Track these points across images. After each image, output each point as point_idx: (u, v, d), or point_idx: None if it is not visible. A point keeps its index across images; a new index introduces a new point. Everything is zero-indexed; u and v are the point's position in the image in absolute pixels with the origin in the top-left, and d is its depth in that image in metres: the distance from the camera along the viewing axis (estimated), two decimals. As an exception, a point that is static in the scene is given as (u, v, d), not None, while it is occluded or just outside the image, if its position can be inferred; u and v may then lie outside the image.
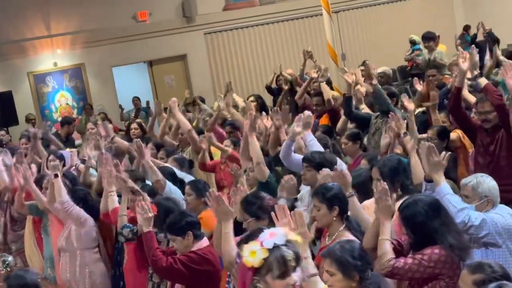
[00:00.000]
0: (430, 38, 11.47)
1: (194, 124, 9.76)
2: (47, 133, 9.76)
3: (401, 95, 7.81)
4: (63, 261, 6.39)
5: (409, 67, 12.98)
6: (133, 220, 5.44)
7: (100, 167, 6.50)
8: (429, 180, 4.68)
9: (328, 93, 8.68)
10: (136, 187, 5.72)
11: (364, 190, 5.00)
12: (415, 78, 8.27)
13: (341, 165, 5.48)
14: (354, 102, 7.95)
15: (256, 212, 4.53)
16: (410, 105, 6.53)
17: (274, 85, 12.47)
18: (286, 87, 10.70)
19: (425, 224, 3.90)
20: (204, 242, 4.78)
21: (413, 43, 13.06)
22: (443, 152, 4.70)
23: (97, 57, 15.12)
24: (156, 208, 5.13)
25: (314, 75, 9.29)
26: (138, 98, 14.87)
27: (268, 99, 12.25)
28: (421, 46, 12.17)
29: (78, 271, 6.28)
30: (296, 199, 5.32)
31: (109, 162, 6.11)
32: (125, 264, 5.87)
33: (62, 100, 15.29)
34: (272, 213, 3.72)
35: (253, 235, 3.97)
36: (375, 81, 7.33)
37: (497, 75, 9.23)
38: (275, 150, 6.65)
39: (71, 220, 6.28)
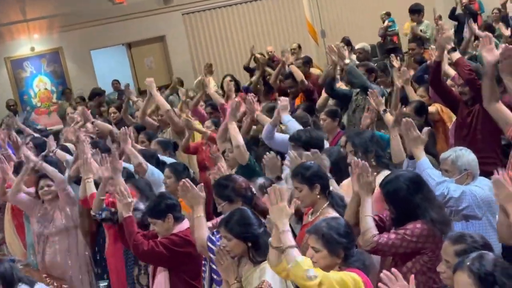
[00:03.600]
0: (416, 11, 11.43)
1: (178, 106, 9.71)
2: (24, 121, 9.68)
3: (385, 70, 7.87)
4: (43, 246, 6.37)
5: (382, 42, 13.01)
6: (113, 205, 5.40)
7: (77, 155, 6.46)
8: (411, 157, 4.68)
9: (299, 74, 8.64)
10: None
11: (336, 169, 4.99)
12: (392, 55, 8.24)
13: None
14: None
15: (229, 195, 4.48)
16: (398, 81, 6.55)
17: (252, 65, 12.44)
18: (258, 72, 10.65)
19: (407, 199, 3.90)
20: (185, 224, 4.75)
21: (388, 14, 13.12)
22: (425, 128, 4.69)
23: (75, 40, 14.98)
24: (135, 192, 5.09)
25: (283, 58, 9.26)
26: (118, 81, 14.73)
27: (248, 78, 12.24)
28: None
29: (60, 254, 6.29)
30: (280, 178, 5.28)
31: (85, 150, 6.06)
32: (107, 249, 5.85)
33: (40, 85, 15.17)
34: (266, 196, 3.68)
35: (228, 218, 3.98)
36: (347, 61, 7.34)
37: (476, 48, 9.25)
38: (248, 134, 6.67)
39: (67, 199, 6.29)
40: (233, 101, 6.70)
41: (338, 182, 4.87)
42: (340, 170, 4.95)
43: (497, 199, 3.44)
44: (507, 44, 4.87)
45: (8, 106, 13.65)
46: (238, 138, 5.88)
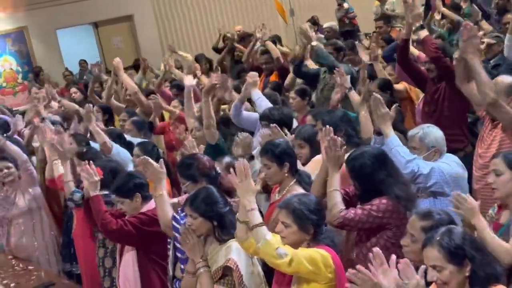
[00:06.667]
0: None
1: (144, 85, 9.67)
2: None
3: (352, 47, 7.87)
4: (15, 228, 6.30)
5: (341, 24, 12.99)
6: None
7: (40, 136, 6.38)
8: (378, 133, 4.69)
9: (275, 51, 8.64)
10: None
11: (310, 146, 4.98)
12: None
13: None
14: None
15: (193, 174, 4.43)
16: (365, 58, 6.54)
17: (221, 45, 12.38)
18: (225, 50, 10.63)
19: (372, 175, 3.91)
20: (153, 203, 4.70)
21: None
22: (395, 105, 4.71)
23: (41, 19, 14.74)
24: (101, 171, 5.03)
25: (258, 34, 9.21)
26: (85, 61, 14.59)
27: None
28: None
29: (25, 236, 6.23)
30: (252, 157, 5.26)
31: (48, 130, 5.99)
32: (74, 230, 5.80)
33: (5, 65, 14.93)
34: (232, 172, 3.66)
35: (193, 197, 3.96)
36: (314, 43, 7.34)
37: (443, 26, 9.30)
38: (218, 114, 6.65)
39: (30, 179, 6.25)
40: (210, 78, 6.70)
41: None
42: (314, 147, 4.93)
43: (460, 215, 3.54)
44: (468, 23, 4.90)
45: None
46: (212, 118, 5.86)
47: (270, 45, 8.83)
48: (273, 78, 8.58)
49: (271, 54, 8.58)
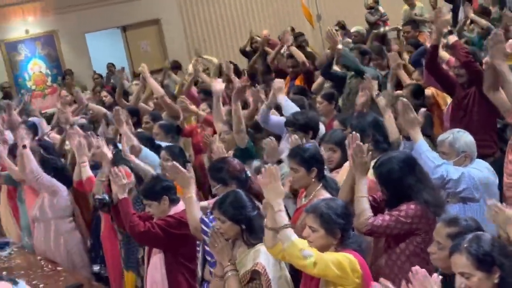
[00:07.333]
0: None
1: (177, 88, 9.68)
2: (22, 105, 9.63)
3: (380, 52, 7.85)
4: (38, 230, 6.37)
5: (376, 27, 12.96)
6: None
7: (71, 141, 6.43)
8: (407, 138, 4.65)
9: (300, 55, 8.65)
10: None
11: (342, 150, 4.96)
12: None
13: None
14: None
15: (223, 177, 4.46)
16: (395, 63, 6.52)
17: (249, 48, 12.38)
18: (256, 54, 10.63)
19: (400, 181, 3.88)
20: (181, 206, 4.73)
21: (376, 2, 13.09)
22: (421, 110, 4.68)
23: (70, 23, 14.90)
24: (130, 174, 5.07)
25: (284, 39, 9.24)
26: (113, 65, 14.71)
27: (244, 62, 12.19)
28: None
29: (52, 240, 6.26)
30: (280, 161, 5.26)
31: (77, 134, 6.04)
32: (102, 232, 5.84)
33: (35, 68, 15.11)
34: (259, 176, 3.67)
35: (222, 201, 3.97)
36: (340, 46, 7.32)
37: (472, 31, 9.24)
38: (251, 121, 6.64)
39: (43, 189, 6.25)
40: (239, 81, 6.72)
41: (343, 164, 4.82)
42: (345, 152, 4.89)
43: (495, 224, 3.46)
44: (499, 29, 4.88)
45: (2, 89, 13.60)
46: (241, 122, 5.88)
47: (294, 50, 8.83)
48: (298, 82, 8.60)
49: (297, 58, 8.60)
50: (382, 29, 11.17)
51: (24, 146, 6.23)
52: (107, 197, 5.07)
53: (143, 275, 5.13)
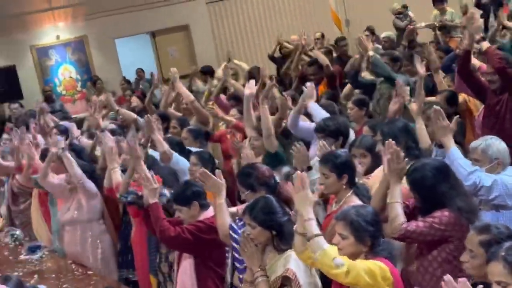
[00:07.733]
0: (440, 1, 11.37)
1: (205, 94, 9.71)
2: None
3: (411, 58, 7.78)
4: (72, 233, 6.40)
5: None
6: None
7: (101, 145, 6.48)
8: (440, 145, 4.62)
9: (323, 59, 8.63)
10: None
11: (372, 156, 4.93)
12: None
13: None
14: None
15: (252, 183, 4.47)
16: (422, 69, 6.46)
17: (277, 54, 12.36)
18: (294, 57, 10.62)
19: (434, 187, 3.86)
20: (211, 211, 4.74)
21: (405, 7, 13.00)
22: (455, 117, 4.64)
23: (100, 29, 15.01)
24: (161, 179, 5.09)
25: (303, 42, 9.24)
26: (142, 70, 14.81)
27: (272, 67, 12.20)
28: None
29: (90, 242, 6.31)
30: (310, 168, 5.25)
31: (108, 139, 6.08)
32: (133, 237, 5.87)
33: (65, 74, 15.24)
34: (289, 183, 3.66)
35: (252, 206, 3.97)
36: (371, 53, 7.29)
37: (504, 37, 9.14)
38: (279, 128, 6.63)
39: (83, 192, 6.28)
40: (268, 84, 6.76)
41: (373, 170, 4.80)
42: (374, 157, 4.87)
43: None
44: None
45: (43, 92, 13.84)
46: (270, 126, 5.87)
47: (318, 53, 8.83)
48: (321, 87, 8.57)
49: (319, 63, 8.57)
50: (418, 25, 11.05)
51: (63, 150, 6.30)
52: (130, 196, 5.09)
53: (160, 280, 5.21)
